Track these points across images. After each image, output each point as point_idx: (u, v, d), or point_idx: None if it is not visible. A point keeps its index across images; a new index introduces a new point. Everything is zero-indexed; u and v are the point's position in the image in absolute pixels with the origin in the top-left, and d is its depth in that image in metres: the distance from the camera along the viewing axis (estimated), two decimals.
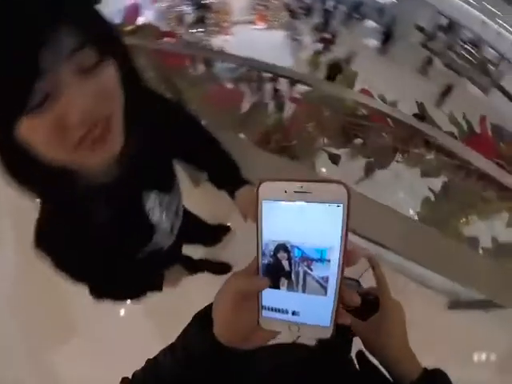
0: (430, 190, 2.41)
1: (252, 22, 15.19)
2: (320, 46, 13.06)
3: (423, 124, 1.84)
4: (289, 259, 0.42)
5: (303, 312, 0.44)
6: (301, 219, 0.40)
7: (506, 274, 1.93)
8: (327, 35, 13.46)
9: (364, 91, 2.11)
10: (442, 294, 2.76)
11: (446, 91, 11.95)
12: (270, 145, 2.40)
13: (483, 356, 2.68)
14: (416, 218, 2.46)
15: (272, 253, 0.43)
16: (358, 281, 0.78)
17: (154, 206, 0.87)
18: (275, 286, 0.44)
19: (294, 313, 0.44)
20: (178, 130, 0.99)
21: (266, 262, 0.44)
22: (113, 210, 0.71)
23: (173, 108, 1.04)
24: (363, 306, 0.58)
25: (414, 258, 1.87)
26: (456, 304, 2.72)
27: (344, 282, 0.47)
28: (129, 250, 0.86)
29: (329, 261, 0.40)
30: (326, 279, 0.41)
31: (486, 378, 2.55)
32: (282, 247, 0.42)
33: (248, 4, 15.18)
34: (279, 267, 0.43)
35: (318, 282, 0.42)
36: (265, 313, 0.46)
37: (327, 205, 0.38)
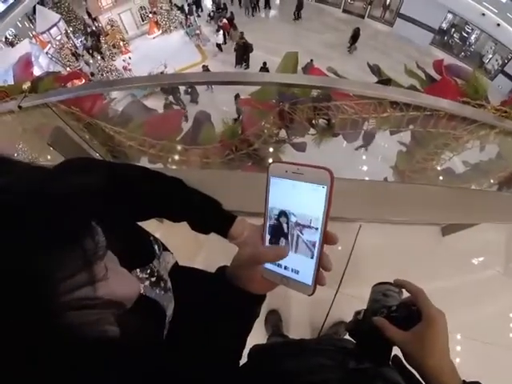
0: (401, 143, 2.43)
1: (147, 33, 14.80)
2: (221, 33, 12.99)
3: (386, 88, 1.80)
4: (287, 223, 0.52)
5: (293, 269, 0.54)
6: (296, 193, 0.50)
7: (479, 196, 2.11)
8: (224, 21, 13.32)
9: (314, 70, 2.03)
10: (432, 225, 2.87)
11: (355, 35, 12.33)
12: (231, 155, 2.28)
13: (481, 259, 2.88)
14: (393, 173, 2.52)
15: (276, 217, 0.54)
16: (400, 289, 0.78)
17: (145, 285, 0.72)
18: (277, 244, 0.55)
19: (285, 267, 0.55)
20: (130, 195, 0.84)
21: (271, 223, 0.55)
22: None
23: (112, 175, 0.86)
24: (405, 316, 0.68)
25: (392, 217, 1.97)
26: (448, 230, 2.82)
27: (387, 288, 0.75)
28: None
29: (316, 229, 0.50)
30: (314, 244, 0.51)
31: (488, 276, 2.78)
32: (283, 213, 0.52)
33: (136, 16, 14.73)
34: (280, 229, 0.54)
35: (306, 244, 0.51)
36: (266, 265, 0.57)
37: (315, 185, 0.48)
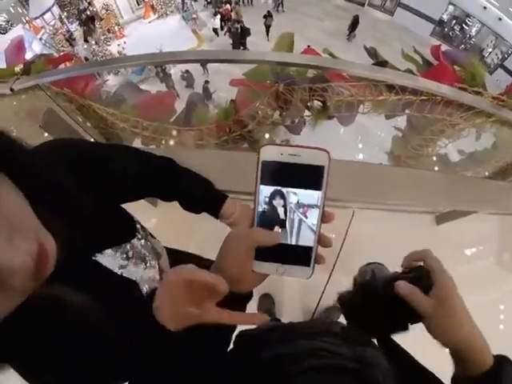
0: (396, 128, 2.41)
1: (142, 17, 14.55)
2: (218, 18, 12.80)
3: (383, 70, 1.77)
4: (284, 206, 0.49)
5: (290, 255, 0.51)
6: (292, 176, 0.48)
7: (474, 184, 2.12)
8: (227, 6, 13.11)
9: (308, 50, 1.99)
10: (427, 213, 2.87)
11: (355, 23, 12.22)
12: (224, 137, 2.25)
13: (474, 250, 2.91)
14: (388, 159, 2.50)
15: (267, 199, 0.49)
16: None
17: (126, 264, 0.72)
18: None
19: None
20: (111, 174, 0.79)
21: (260, 210, 0.50)
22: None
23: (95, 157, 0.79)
24: (420, 277, 0.58)
25: (386, 200, 1.97)
26: (442, 218, 2.82)
27: (373, 267, 0.69)
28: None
29: (314, 209, 0.48)
30: (316, 225, 0.49)
31: (481, 267, 2.80)
32: (278, 193, 0.49)
33: (131, 0, 14.47)
34: (274, 215, 0.50)
35: (311, 229, 0.49)
36: (258, 258, 0.52)
37: (312, 166, 0.47)
